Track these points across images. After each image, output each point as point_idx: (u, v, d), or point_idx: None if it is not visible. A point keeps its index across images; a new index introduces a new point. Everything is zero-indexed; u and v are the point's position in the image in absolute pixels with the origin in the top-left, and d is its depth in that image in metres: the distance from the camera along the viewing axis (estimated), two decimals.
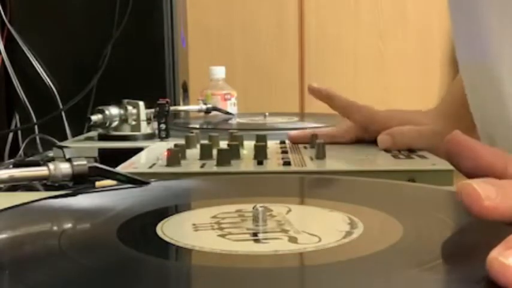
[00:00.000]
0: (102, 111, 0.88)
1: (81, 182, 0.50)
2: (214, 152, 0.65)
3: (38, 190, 0.58)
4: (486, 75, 0.66)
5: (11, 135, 1.26)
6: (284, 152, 0.71)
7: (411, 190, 0.52)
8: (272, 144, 0.75)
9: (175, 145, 0.69)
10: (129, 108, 0.90)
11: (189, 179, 0.59)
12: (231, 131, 0.80)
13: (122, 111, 0.89)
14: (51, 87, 1.26)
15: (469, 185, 0.33)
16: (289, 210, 0.43)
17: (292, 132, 0.80)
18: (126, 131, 0.90)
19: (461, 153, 0.40)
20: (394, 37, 2.05)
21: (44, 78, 1.26)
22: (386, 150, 0.72)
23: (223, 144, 0.70)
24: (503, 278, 0.27)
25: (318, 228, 0.38)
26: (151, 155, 0.72)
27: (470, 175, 0.39)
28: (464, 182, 0.33)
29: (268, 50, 2.05)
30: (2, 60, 1.25)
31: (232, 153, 0.65)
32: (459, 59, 0.73)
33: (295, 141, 0.78)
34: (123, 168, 0.62)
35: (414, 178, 0.59)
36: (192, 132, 0.80)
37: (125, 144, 0.86)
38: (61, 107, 1.24)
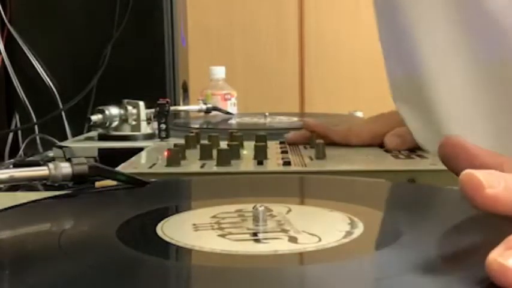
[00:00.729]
0: (102, 111, 0.88)
1: (81, 182, 0.50)
2: (214, 152, 0.65)
3: (38, 190, 0.58)
4: (419, 93, 0.67)
5: (11, 135, 1.26)
6: (284, 152, 0.71)
7: (411, 190, 0.52)
8: (272, 144, 0.75)
9: (175, 145, 0.69)
10: (129, 108, 0.90)
11: (189, 179, 0.59)
12: (231, 131, 0.80)
13: (122, 111, 0.89)
14: (51, 87, 1.26)
15: (471, 174, 0.32)
16: (290, 210, 0.43)
17: (289, 134, 0.79)
18: (126, 131, 0.90)
19: (457, 156, 0.40)
20: None
21: (44, 78, 1.26)
22: (387, 150, 0.72)
23: (223, 144, 0.70)
24: (502, 279, 0.27)
25: (318, 228, 0.38)
26: (151, 155, 0.72)
27: None
28: (467, 171, 0.33)
29: (268, 50, 2.05)
30: (2, 60, 1.25)
31: (232, 153, 0.65)
32: (389, 74, 0.74)
33: (293, 143, 0.78)
34: (123, 168, 0.62)
35: (414, 178, 0.59)
36: (192, 132, 0.80)
37: (125, 144, 0.86)
38: (61, 107, 1.24)
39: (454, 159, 0.41)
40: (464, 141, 0.41)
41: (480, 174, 0.32)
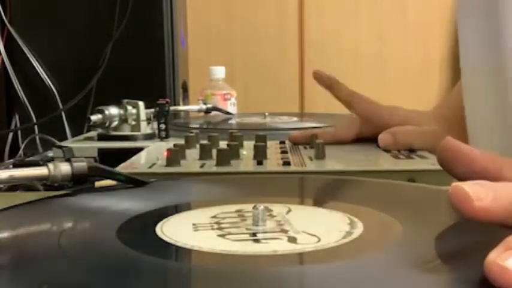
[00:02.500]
0: (102, 111, 0.88)
1: (81, 182, 0.50)
2: (214, 152, 0.65)
3: (38, 190, 0.58)
4: (494, 80, 0.66)
5: (11, 135, 1.26)
6: (284, 152, 0.71)
7: (411, 190, 0.52)
8: (272, 144, 0.75)
9: (175, 145, 0.69)
10: (129, 108, 0.90)
11: (189, 179, 0.59)
12: (230, 131, 0.80)
13: (122, 111, 0.89)
14: (51, 87, 1.26)
15: (459, 187, 0.32)
16: (289, 210, 0.43)
17: (293, 133, 0.80)
18: (126, 131, 0.90)
19: (455, 159, 0.40)
20: (394, 37, 2.05)
21: (44, 78, 1.26)
22: (386, 150, 0.72)
23: (223, 144, 0.70)
24: (501, 280, 0.27)
25: (317, 228, 0.38)
26: (151, 155, 0.72)
27: (465, 180, 0.39)
28: (455, 184, 0.33)
29: (268, 50, 2.05)
30: (2, 60, 1.25)
31: (232, 153, 0.65)
32: (464, 64, 0.73)
33: (295, 142, 0.78)
34: (123, 168, 0.62)
35: (414, 178, 0.59)
36: (191, 132, 0.80)
37: (124, 144, 0.86)
38: (61, 107, 1.24)
39: (452, 163, 0.41)
40: (463, 145, 0.41)
41: (468, 187, 0.32)
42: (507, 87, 0.66)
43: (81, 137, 0.96)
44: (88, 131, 1.04)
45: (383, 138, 0.74)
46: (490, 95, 0.69)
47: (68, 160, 0.49)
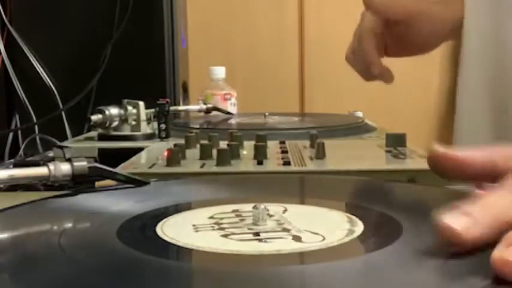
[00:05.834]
0: (102, 111, 0.88)
1: (81, 182, 0.50)
2: (214, 152, 0.65)
3: (38, 190, 0.58)
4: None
5: (11, 135, 1.26)
6: (284, 151, 0.71)
7: (411, 190, 0.52)
8: (272, 144, 0.75)
9: (175, 145, 0.69)
10: (129, 108, 0.90)
11: (185, 179, 0.59)
12: (231, 131, 0.80)
13: (122, 111, 0.89)
14: (51, 87, 1.26)
15: (446, 225, 0.32)
16: (285, 210, 0.43)
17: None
18: (126, 131, 0.90)
19: (445, 167, 0.40)
20: None
21: (44, 78, 1.26)
22: (387, 150, 0.72)
23: (223, 144, 0.70)
24: (510, 274, 0.28)
25: (319, 227, 0.38)
26: (151, 155, 0.72)
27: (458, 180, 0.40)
28: (442, 222, 0.32)
29: (268, 50, 2.05)
30: (2, 60, 1.25)
31: (232, 153, 0.65)
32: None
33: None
34: (123, 168, 0.62)
35: (414, 178, 0.59)
36: (192, 132, 0.80)
37: (124, 144, 0.86)
38: (61, 107, 1.24)
39: (445, 172, 0.41)
40: (452, 152, 0.40)
41: (454, 223, 0.32)
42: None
43: (81, 137, 0.96)
44: (88, 131, 1.04)
45: None
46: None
47: (68, 160, 0.49)
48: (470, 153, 0.41)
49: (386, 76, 0.77)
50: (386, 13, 0.76)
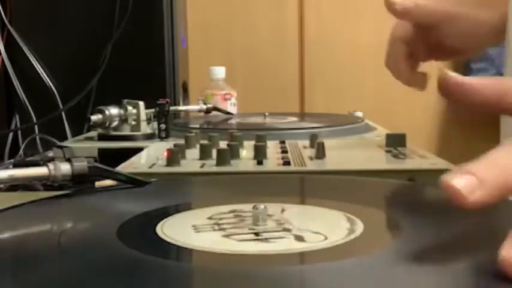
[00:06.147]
0: (102, 111, 0.88)
1: (81, 182, 0.50)
2: (214, 152, 0.65)
3: (38, 190, 0.58)
4: None
5: (11, 135, 1.26)
6: (284, 151, 0.71)
7: (410, 189, 0.52)
8: (272, 144, 0.75)
9: (175, 145, 0.69)
10: (129, 108, 0.90)
11: (181, 179, 0.59)
12: (230, 131, 0.80)
13: (122, 111, 0.89)
14: (51, 87, 1.26)
15: (449, 185, 0.32)
16: (284, 210, 0.43)
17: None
18: (126, 131, 0.90)
19: (454, 95, 0.39)
20: None
21: (44, 78, 1.26)
22: (387, 150, 0.72)
23: (223, 144, 0.70)
24: None
25: (319, 226, 0.38)
26: (151, 155, 0.72)
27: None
28: (444, 181, 0.32)
29: (268, 49, 2.05)
30: (2, 60, 1.25)
31: (232, 153, 0.65)
32: None
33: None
34: (123, 168, 0.62)
35: (414, 178, 0.59)
36: (191, 132, 0.80)
37: (124, 144, 0.86)
38: (61, 107, 1.24)
39: (452, 96, 0.39)
40: (462, 77, 0.39)
41: (457, 183, 0.31)
42: None
43: (81, 137, 0.96)
44: (88, 131, 1.04)
45: None
46: None
47: (68, 160, 0.49)
48: (479, 80, 0.40)
49: (417, 83, 0.77)
50: (429, 14, 0.75)
